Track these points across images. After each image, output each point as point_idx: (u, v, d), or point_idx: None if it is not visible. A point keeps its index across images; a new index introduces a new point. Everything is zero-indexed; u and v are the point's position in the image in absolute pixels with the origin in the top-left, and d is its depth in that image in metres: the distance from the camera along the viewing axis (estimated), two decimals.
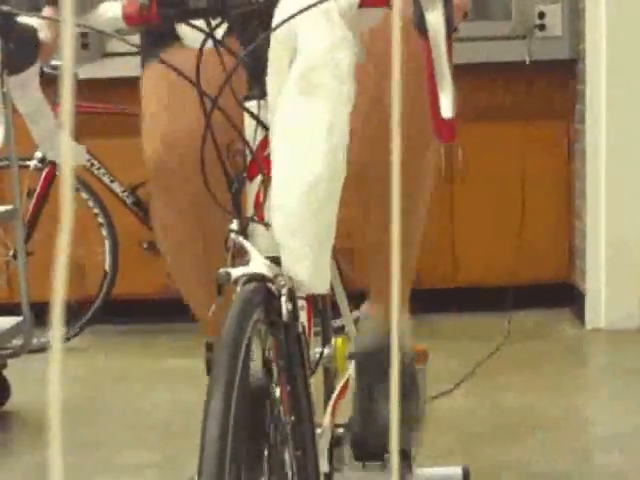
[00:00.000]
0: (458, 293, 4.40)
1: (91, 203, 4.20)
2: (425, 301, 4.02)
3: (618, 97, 4.03)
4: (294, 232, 1.32)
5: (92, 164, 4.20)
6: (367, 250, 1.97)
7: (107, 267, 4.22)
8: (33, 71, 1.43)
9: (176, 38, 1.65)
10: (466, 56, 4.27)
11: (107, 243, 4.21)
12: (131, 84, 4.13)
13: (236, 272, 1.38)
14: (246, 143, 1.42)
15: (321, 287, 1.39)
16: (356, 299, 2.15)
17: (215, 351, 1.21)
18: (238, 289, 1.36)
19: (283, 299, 1.40)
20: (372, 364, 2.00)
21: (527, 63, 4.30)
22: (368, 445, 2.01)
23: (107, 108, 4.29)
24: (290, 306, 1.42)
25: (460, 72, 4.73)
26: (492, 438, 2.96)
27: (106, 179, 4.22)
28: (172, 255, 2.00)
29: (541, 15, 4.35)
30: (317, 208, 1.30)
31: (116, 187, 4.23)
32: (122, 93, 4.21)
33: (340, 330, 2.15)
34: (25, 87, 1.44)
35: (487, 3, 4.59)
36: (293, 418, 1.52)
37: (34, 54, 1.42)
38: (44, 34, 1.44)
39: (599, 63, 4.06)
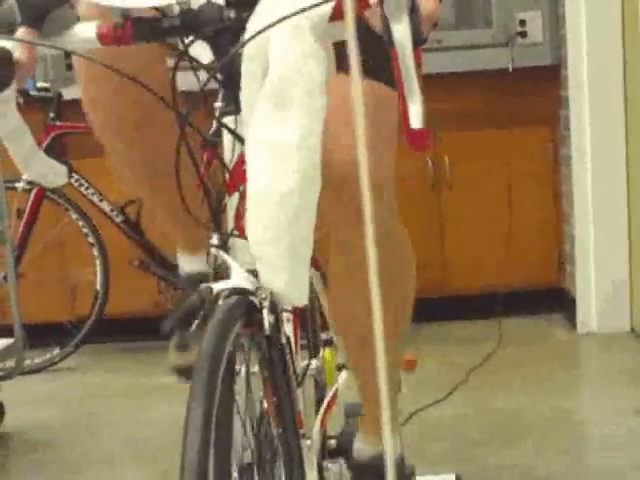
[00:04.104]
0: (448, 301, 4.41)
1: (81, 223, 4.20)
2: (416, 310, 4.02)
3: (601, 101, 4.05)
4: (270, 244, 1.33)
5: (80, 184, 4.21)
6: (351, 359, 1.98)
7: (99, 286, 4.22)
8: (9, 93, 1.44)
9: None
10: (449, 65, 4.30)
11: (98, 262, 4.22)
12: None
13: (218, 286, 1.39)
14: (222, 160, 1.43)
15: (299, 299, 1.40)
16: None
17: (195, 365, 1.22)
18: (219, 303, 1.37)
19: (265, 312, 1.41)
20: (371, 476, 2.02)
21: (510, 70, 4.32)
22: None
23: None
24: (272, 318, 1.43)
25: (444, 81, 4.73)
26: (485, 443, 2.97)
27: (95, 198, 4.23)
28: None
29: (522, 22, 4.38)
30: (292, 219, 1.31)
31: (105, 206, 4.23)
32: None
33: (329, 342, 2.16)
34: (2, 109, 1.45)
35: (468, 12, 4.62)
36: (280, 430, 1.53)
37: (10, 76, 1.43)
38: (19, 55, 1.45)
39: (581, 68, 4.08)
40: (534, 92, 4.41)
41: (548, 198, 4.45)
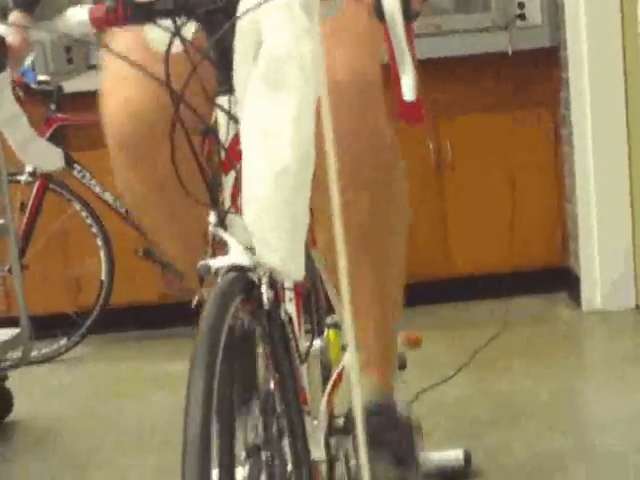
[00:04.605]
0: (453, 283, 4.42)
1: (84, 214, 4.22)
2: (420, 292, 4.04)
3: (601, 81, 4.06)
4: (266, 221, 1.34)
5: (83, 175, 4.22)
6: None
7: (103, 277, 4.23)
8: (4, 78, 1.44)
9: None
10: (448, 49, 4.30)
11: (102, 253, 4.23)
12: None
13: (216, 263, 1.41)
14: (217, 139, 1.45)
15: (295, 274, 1.41)
16: None
17: (195, 340, 1.23)
18: (218, 280, 1.38)
19: (263, 287, 1.42)
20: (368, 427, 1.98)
21: (509, 54, 4.32)
22: None
23: (94, 120, 4.31)
24: (271, 294, 1.44)
25: (443, 65, 4.72)
26: (491, 423, 2.98)
27: (97, 189, 4.24)
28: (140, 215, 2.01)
29: (520, 5, 4.37)
30: (287, 197, 1.32)
31: (108, 197, 4.25)
32: None
33: (334, 326, 2.16)
34: None
35: None
36: (283, 406, 1.54)
37: (3, 61, 1.44)
38: (12, 39, 1.46)
39: (580, 49, 4.08)
40: (534, 75, 4.41)
41: (550, 178, 4.45)
